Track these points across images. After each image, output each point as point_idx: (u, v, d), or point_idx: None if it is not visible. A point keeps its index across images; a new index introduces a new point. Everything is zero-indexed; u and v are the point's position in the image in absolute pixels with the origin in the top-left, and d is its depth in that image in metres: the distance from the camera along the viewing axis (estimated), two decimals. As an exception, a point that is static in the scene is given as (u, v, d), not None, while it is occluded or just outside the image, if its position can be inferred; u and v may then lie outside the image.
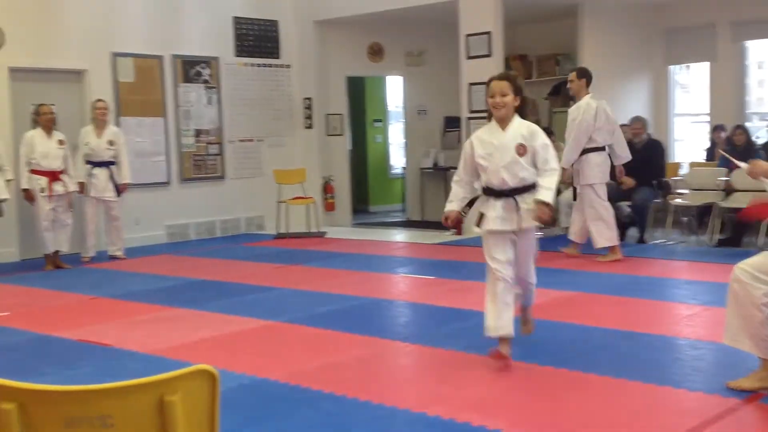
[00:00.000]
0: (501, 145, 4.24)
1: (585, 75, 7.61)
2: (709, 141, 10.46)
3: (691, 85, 11.96)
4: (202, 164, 10.70)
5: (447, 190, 4.47)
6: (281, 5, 11.38)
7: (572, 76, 7.66)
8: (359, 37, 11.85)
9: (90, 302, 6.65)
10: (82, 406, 1.64)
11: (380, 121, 14.39)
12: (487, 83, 4.32)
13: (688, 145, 11.58)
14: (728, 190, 8.48)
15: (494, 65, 9.25)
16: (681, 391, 3.83)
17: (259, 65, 11.22)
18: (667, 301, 6.06)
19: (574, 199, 7.86)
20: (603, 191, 7.62)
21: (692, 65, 11.60)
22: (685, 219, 9.27)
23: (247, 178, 11.09)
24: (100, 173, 8.81)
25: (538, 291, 4.71)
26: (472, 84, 9.73)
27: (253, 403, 3.89)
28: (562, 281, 6.53)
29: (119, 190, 8.92)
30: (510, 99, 4.22)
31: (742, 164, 3.94)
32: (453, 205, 4.42)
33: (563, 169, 6.98)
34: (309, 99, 11.59)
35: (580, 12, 10.39)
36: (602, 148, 7.61)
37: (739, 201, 8.27)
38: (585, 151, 7.54)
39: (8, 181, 8.17)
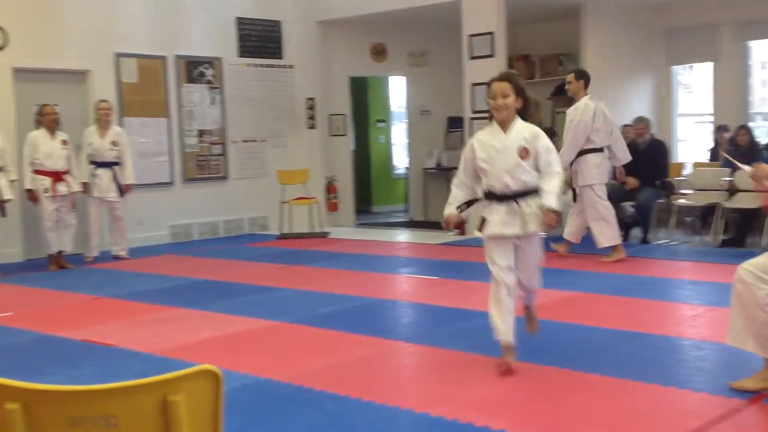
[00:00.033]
0: (503, 149, 4.14)
1: (583, 76, 7.62)
2: (713, 141, 10.44)
3: (695, 86, 11.95)
4: (205, 164, 10.70)
5: (450, 191, 4.44)
6: (284, 6, 11.38)
7: (570, 77, 7.67)
8: (362, 38, 11.86)
9: (93, 302, 6.66)
10: (86, 406, 1.64)
11: (383, 121, 14.38)
12: (488, 84, 4.22)
13: (691, 145, 11.56)
14: (732, 191, 8.46)
15: (497, 65, 9.23)
16: (685, 391, 3.83)
17: (262, 66, 11.22)
18: (670, 302, 6.05)
19: (574, 200, 7.86)
20: (602, 191, 7.62)
21: (695, 65, 11.60)
22: (688, 219, 9.27)
23: (251, 178, 11.09)
24: (104, 174, 8.82)
25: (541, 291, 4.69)
26: (475, 84, 9.72)
27: (257, 403, 3.89)
28: (565, 281, 6.51)
29: (123, 190, 8.93)
30: (511, 100, 4.11)
31: (746, 167, 3.92)
32: (452, 209, 4.33)
33: (561, 170, 6.98)
34: (312, 99, 11.59)
35: (582, 12, 10.38)
36: (600, 149, 7.62)
37: (742, 201, 8.26)
38: (583, 152, 7.54)
39: (12, 181, 8.19)
